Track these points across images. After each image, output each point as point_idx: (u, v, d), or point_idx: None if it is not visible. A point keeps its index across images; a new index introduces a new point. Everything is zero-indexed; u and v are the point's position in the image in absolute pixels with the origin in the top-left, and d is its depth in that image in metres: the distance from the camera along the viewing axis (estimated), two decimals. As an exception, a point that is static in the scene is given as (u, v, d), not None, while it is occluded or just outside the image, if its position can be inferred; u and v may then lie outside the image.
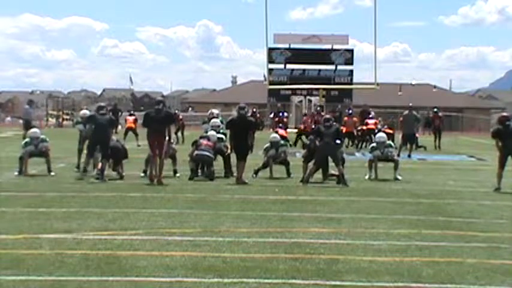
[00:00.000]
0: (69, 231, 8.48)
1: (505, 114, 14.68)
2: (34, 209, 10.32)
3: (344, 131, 22.55)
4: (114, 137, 15.47)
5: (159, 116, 13.93)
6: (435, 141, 28.41)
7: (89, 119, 15.21)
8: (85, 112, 17.04)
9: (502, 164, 13.70)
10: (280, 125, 28.00)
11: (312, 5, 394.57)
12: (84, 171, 14.11)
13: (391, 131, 26.17)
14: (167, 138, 14.08)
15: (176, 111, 33.19)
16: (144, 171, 14.81)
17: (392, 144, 16.08)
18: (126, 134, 27.55)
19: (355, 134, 27.94)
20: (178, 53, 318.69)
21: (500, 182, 13.56)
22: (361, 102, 49.24)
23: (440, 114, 29.81)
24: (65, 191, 12.37)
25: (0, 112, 67.09)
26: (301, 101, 47.42)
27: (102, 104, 16.37)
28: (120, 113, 38.74)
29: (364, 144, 27.27)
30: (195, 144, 15.30)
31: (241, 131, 14.37)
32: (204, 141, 15.17)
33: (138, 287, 6.11)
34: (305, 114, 32.22)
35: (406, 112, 24.15)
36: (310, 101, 46.34)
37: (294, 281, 6.32)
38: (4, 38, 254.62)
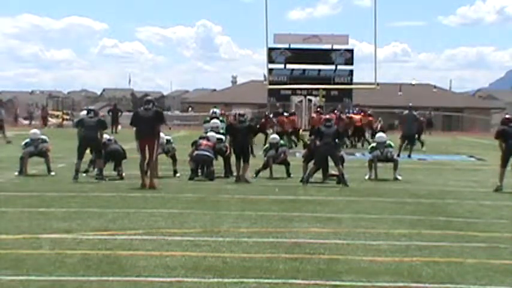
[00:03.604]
0: (69, 231, 8.48)
1: (508, 116, 14.76)
2: (34, 209, 10.32)
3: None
4: (112, 138, 15.46)
5: (148, 115, 13.30)
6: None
7: (78, 123, 15.58)
8: (84, 113, 17.06)
9: (504, 163, 13.76)
10: (285, 114, 28.13)
11: (311, 5, 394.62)
12: (76, 174, 14.05)
13: (370, 118, 26.62)
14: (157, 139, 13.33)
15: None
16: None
17: (392, 144, 16.09)
18: None
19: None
20: (177, 53, 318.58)
21: (502, 180, 13.57)
22: (361, 102, 49.31)
23: (421, 117, 30.10)
24: (65, 191, 12.37)
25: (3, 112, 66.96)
26: (301, 101, 47.42)
27: (91, 107, 17.08)
28: (120, 113, 38.84)
29: (358, 141, 27.53)
30: (195, 145, 15.33)
31: (241, 136, 14.68)
32: (203, 142, 15.20)
33: (138, 287, 6.12)
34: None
35: (406, 112, 24.16)
36: (310, 100, 46.32)
37: (294, 281, 6.32)
38: (3, 38, 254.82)
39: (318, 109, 29.86)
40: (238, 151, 14.63)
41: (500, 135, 14.06)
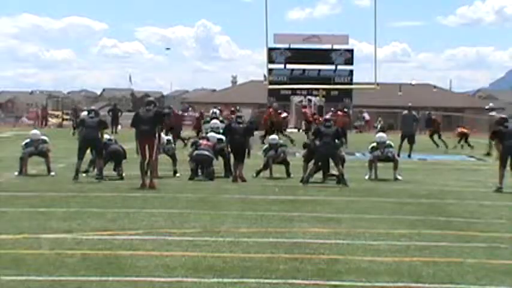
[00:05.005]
0: (69, 231, 8.49)
1: (503, 115, 14.76)
2: (34, 209, 10.32)
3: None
4: (112, 139, 15.47)
5: (148, 115, 13.27)
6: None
7: (80, 123, 15.91)
8: (85, 113, 17.09)
9: (503, 163, 13.72)
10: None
11: (311, 5, 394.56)
12: (77, 174, 14.06)
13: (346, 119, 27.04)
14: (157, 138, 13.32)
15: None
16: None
17: (392, 144, 16.10)
18: None
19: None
20: (177, 52, 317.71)
21: (502, 181, 13.55)
22: (361, 102, 49.30)
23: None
24: (65, 191, 12.37)
25: (0, 112, 67.06)
26: (301, 101, 47.42)
27: (93, 107, 17.45)
28: (120, 113, 38.84)
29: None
30: (195, 145, 15.35)
31: (239, 136, 14.76)
32: (203, 142, 15.23)
33: (138, 287, 6.12)
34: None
35: (405, 112, 24.13)
36: (310, 100, 46.33)
37: (294, 281, 6.32)
38: (3, 38, 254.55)
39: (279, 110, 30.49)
40: (235, 151, 14.72)
41: (496, 135, 14.02)
